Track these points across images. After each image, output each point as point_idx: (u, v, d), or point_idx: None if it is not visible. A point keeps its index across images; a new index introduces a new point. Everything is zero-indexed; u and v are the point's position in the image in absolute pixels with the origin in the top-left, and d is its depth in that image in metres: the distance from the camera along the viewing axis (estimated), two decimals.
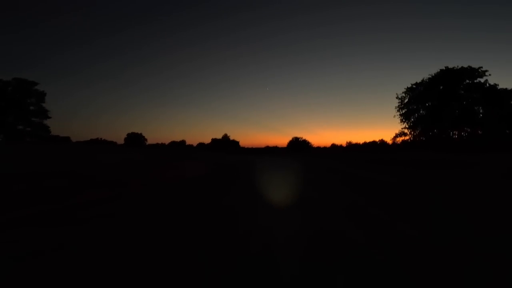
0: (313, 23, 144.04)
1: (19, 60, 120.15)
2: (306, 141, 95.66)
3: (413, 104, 26.80)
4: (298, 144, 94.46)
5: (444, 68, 26.81)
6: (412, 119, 26.91)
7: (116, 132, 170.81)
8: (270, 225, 4.66)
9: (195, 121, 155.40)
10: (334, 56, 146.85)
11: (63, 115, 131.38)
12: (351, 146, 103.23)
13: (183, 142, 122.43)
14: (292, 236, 4.04)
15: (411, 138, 26.76)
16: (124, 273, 2.80)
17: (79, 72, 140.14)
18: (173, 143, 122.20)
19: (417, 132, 26.37)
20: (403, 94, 27.19)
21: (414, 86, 27.09)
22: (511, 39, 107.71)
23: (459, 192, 8.16)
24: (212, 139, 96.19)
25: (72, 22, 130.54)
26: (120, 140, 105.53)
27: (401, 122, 27.87)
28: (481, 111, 25.98)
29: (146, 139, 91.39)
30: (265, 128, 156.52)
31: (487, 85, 25.61)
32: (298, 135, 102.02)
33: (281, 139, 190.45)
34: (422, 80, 26.79)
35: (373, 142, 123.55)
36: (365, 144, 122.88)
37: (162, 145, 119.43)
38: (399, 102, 27.30)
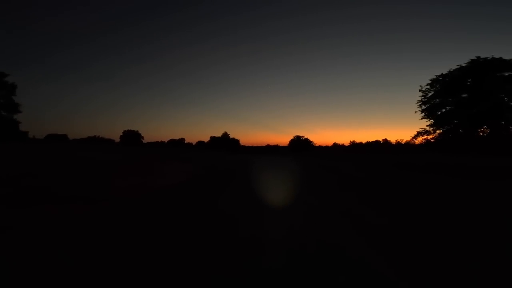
0: (314, 23, 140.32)
1: (17, 59, 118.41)
2: (308, 140, 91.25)
3: (438, 98, 22.49)
4: (299, 143, 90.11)
5: (475, 58, 22.58)
6: (438, 115, 22.62)
7: (116, 130, 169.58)
8: None
9: (196, 120, 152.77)
10: (335, 55, 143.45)
11: (63, 114, 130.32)
12: (355, 146, 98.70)
13: (181, 140, 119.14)
14: None
15: (438, 137, 22.46)
16: None
17: (79, 70, 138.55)
18: (171, 141, 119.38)
19: (443, 130, 22.11)
20: (428, 87, 22.77)
21: (439, 78, 22.75)
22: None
23: None
24: (211, 137, 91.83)
25: (71, 21, 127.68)
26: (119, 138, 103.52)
27: (423, 118, 23.49)
28: None
29: (142, 137, 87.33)
30: (266, 127, 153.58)
31: None
32: (299, 134, 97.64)
33: (282, 138, 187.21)
34: (449, 72, 22.51)
35: (377, 142, 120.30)
36: (368, 143, 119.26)
37: (160, 143, 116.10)
38: (422, 96, 22.85)
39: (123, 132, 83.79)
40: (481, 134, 23.08)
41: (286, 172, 14.77)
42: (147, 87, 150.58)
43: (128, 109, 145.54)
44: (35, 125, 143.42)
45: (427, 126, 23.05)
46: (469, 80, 22.98)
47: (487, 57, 22.19)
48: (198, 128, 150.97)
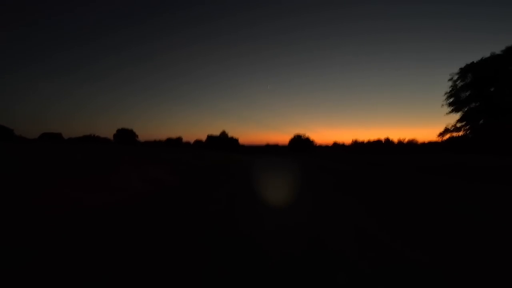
0: (314, 23, 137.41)
1: (16, 58, 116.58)
2: (309, 139, 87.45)
3: (469, 90, 18.70)
4: (300, 142, 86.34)
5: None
6: (466, 109, 18.86)
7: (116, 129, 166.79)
8: None
9: (196, 119, 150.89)
10: (335, 55, 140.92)
11: (62, 113, 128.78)
12: (358, 145, 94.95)
13: (179, 139, 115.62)
14: None
15: (469, 134, 18.69)
16: None
17: (78, 70, 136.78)
18: (169, 140, 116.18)
19: (475, 126, 18.34)
20: (457, 76, 18.89)
21: (470, 67, 18.93)
22: None
23: None
24: (208, 136, 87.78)
25: (69, 22, 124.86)
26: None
27: (450, 113, 19.65)
28: None
29: (137, 136, 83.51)
30: (266, 126, 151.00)
31: None
32: (300, 133, 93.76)
33: (282, 137, 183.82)
34: (481, 59, 18.71)
35: (379, 141, 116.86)
36: (370, 143, 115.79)
37: (155, 142, 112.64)
38: (451, 87, 19.00)
39: (116, 131, 79.95)
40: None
41: (282, 181, 11.26)
42: (146, 86, 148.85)
43: (128, 109, 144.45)
44: (36, 124, 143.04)
45: (457, 122, 19.27)
46: (503, 69, 19.16)
47: None
48: (198, 127, 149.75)
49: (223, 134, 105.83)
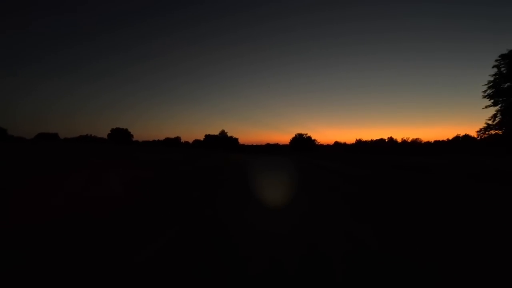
0: (314, 23, 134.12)
1: (16, 59, 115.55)
2: (310, 138, 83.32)
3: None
4: (301, 142, 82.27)
5: None
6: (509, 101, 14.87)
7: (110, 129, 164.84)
8: None
9: (196, 119, 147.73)
10: (336, 54, 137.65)
11: (63, 113, 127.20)
12: (361, 144, 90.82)
13: (177, 139, 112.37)
14: None
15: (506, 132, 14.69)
16: None
17: (77, 70, 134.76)
18: (167, 140, 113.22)
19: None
20: (501, 63, 14.77)
21: None
22: None
23: None
24: (206, 136, 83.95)
25: (67, 22, 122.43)
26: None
27: (489, 106, 15.62)
28: None
29: (132, 135, 79.81)
30: (266, 125, 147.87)
31: None
32: (301, 132, 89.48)
33: (283, 137, 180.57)
34: None
35: (381, 140, 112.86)
36: (373, 142, 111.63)
37: (153, 142, 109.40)
38: (494, 75, 14.94)
39: (111, 130, 76.26)
40: None
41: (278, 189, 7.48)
42: (146, 86, 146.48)
43: (128, 109, 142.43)
44: (34, 124, 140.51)
45: (497, 117, 15.29)
46: None
47: None
48: (198, 127, 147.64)
49: (222, 134, 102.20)
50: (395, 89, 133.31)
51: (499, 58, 15.31)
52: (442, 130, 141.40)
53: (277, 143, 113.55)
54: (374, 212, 5.44)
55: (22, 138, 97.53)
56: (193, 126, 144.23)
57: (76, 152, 23.80)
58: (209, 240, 3.53)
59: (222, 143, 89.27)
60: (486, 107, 15.86)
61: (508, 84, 15.01)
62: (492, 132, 15.86)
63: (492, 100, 15.52)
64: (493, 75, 15.43)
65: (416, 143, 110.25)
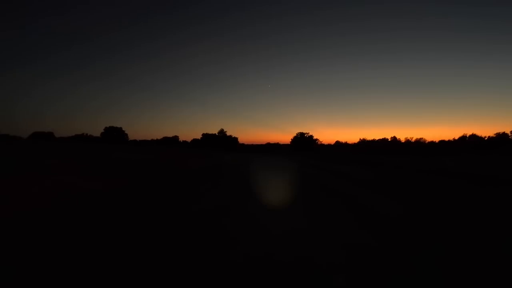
0: (314, 23, 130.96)
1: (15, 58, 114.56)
2: (312, 137, 79.20)
3: None
4: (303, 141, 78.18)
5: None
6: None
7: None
8: None
9: (197, 118, 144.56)
10: (338, 54, 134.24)
11: (63, 112, 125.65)
12: (365, 144, 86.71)
13: (175, 138, 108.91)
14: None
15: None
16: None
17: (78, 70, 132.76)
18: (165, 139, 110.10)
19: None
20: None
21: None
22: None
23: None
24: (203, 134, 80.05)
25: (66, 23, 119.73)
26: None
27: None
28: None
29: (126, 134, 76.03)
30: (267, 125, 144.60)
31: None
32: (303, 131, 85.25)
33: (284, 136, 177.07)
34: None
35: (384, 140, 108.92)
36: (375, 142, 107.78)
37: (150, 141, 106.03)
38: None
39: (104, 129, 72.49)
40: None
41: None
42: (146, 86, 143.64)
43: (128, 108, 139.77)
44: (39, 123, 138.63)
45: None
46: None
47: None
48: (198, 126, 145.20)
49: (221, 133, 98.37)
50: (397, 88, 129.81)
51: None
52: (447, 130, 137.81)
53: (278, 143, 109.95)
54: None
55: (17, 137, 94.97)
56: (193, 126, 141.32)
57: (42, 151, 20.02)
58: None
59: (220, 142, 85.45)
60: None
61: None
62: None
63: None
64: None
65: (420, 142, 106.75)
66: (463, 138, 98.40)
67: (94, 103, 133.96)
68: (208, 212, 5.38)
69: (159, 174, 10.86)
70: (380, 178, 11.91)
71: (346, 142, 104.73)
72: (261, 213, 5.43)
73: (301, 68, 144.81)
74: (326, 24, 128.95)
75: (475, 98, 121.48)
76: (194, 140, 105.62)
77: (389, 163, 22.61)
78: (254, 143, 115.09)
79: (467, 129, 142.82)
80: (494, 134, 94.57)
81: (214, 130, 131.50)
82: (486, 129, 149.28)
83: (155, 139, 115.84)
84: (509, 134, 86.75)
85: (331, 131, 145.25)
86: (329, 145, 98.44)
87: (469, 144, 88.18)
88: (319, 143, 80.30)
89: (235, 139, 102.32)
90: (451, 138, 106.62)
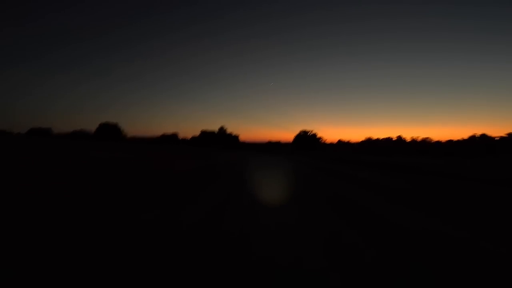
0: (314, 22, 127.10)
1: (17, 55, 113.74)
2: (316, 135, 74.83)
3: None
4: (306, 140, 73.86)
5: None
6: None
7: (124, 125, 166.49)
8: None
9: (198, 117, 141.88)
10: (342, 53, 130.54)
11: (64, 110, 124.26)
12: (371, 143, 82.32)
13: (174, 135, 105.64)
14: None
15: None
16: None
17: (79, 67, 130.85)
18: (164, 136, 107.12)
19: None
20: None
21: None
22: None
23: None
24: (202, 132, 76.19)
25: (66, 21, 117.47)
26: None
27: None
28: None
29: (122, 130, 72.51)
30: (269, 123, 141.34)
31: None
32: (306, 129, 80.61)
33: (286, 134, 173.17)
34: None
35: (388, 139, 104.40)
36: (381, 141, 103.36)
37: (148, 138, 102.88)
38: None
39: (98, 125, 69.04)
40: None
41: None
42: (149, 84, 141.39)
43: (130, 106, 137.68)
44: (41, 119, 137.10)
45: None
46: None
47: None
48: (200, 124, 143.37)
49: (221, 130, 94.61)
50: (399, 88, 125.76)
51: None
52: (453, 130, 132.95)
53: (279, 141, 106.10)
54: None
55: (11, 133, 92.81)
56: (195, 124, 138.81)
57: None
58: None
59: (220, 140, 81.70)
60: None
61: None
62: None
63: None
64: None
65: (426, 142, 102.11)
66: (472, 138, 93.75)
67: (94, 101, 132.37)
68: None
69: (119, 179, 7.16)
70: (422, 191, 7.92)
71: (349, 141, 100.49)
72: None
73: (305, 67, 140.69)
74: (331, 23, 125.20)
75: (482, 98, 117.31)
76: (194, 138, 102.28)
77: (412, 167, 18.50)
78: (256, 141, 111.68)
79: (475, 129, 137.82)
80: (506, 134, 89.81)
81: (215, 128, 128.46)
82: (495, 129, 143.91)
83: (155, 136, 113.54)
84: None
85: (334, 129, 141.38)
86: (333, 144, 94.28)
87: (480, 144, 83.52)
88: (323, 141, 75.90)
89: (236, 137, 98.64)
90: (459, 138, 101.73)
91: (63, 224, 3.49)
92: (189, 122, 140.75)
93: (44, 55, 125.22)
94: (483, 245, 3.35)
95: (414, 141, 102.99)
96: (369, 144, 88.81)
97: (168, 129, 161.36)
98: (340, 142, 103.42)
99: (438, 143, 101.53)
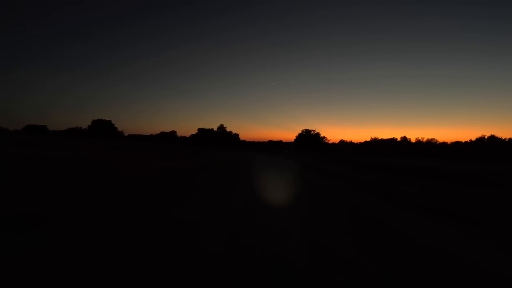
0: (313, 22, 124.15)
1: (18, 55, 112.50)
2: (319, 135, 70.47)
3: None
4: (308, 139, 69.52)
5: None
6: None
7: (122, 123, 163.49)
8: None
9: (199, 116, 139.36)
10: (345, 53, 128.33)
11: (67, 108, 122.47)
12: (377, 143, 77.98)
13: (173, 132, 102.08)
14: None
15: None
16: None
17: (80, 67, 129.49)
18: (162, 134, 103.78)
19: None
20: None
21: None
22: None
23: None
24: (199, 129, 72.04)
25: (65, 21, 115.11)
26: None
27: None
28: None
29: (116, 127, 68.64)
30: (270, 123, 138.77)
31: None
32: (309, 128, 75.93)
33: (288, 134, 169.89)
34: None
35: (393, 140, 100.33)
36: (384, 141, 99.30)
37: (148, 136, 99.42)
38: None
39: (91, 122, 65.13)
40: None
41: None
42: (148, 83, 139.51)
43: (132, 105, 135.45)
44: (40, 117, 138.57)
45: None
46: None
47: None
48: (201, 123, 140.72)
49: (221, 128, 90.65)
50: (402, 89, 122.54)
51: None
52: (458, 131, 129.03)
53: (280, 140, 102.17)
54: None
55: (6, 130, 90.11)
56: (197, 123, 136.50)
57: None
58: None
59: (219, 139, 77.71)
60: None
61: None
62: None
63: None
64: None
65: (431, 143, 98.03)
66: (481, 139, 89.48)
67: (95, 100, 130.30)
68: None
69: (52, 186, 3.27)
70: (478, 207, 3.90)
71: (351, 141, 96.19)
72: None
73: (306, 66, 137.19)
74: (333, 23, 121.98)
75: (490, 99, 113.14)
76: (193, 136, 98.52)
77: (440, 173, 14.28)
78: (256, 140, 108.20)
79: (483, 130, 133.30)
80: None
81: (215, 126, 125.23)
82: (503, 131, 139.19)
83: (154, 134, 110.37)
84: None
85: (335, 130, 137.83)
86: (335, 144, 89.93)
87: (490, 146, 79.16)
88: (326, 141, 71.46)
89: (236, 135, 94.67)
90: (466, 139, 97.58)
91: None
92: (190, 121, 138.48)
93: (45, 55, 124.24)
94: None
95: (419, 142, 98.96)
96: (374, 144, 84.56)
97: (170, 128, 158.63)
98: (342, 143, 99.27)
99: (444, 144, 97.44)
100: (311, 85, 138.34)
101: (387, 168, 17.22)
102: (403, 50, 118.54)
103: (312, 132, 69.11)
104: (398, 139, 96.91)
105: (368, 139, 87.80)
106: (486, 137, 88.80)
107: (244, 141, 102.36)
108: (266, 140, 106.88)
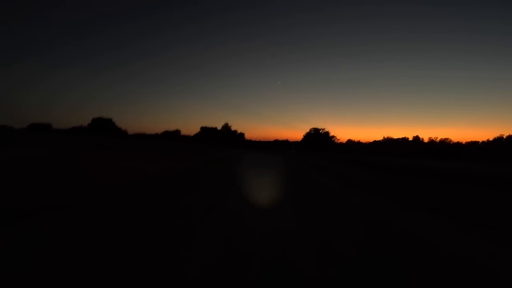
0: (316, 22, 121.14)
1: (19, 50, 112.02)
2: (328, 134, 66.35)
3: None
4: (317, 138, 65.52)
5: None
6: None
7: (127, 122, 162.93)
8: None
9: (204, 114, 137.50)
10: (352, 52, 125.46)
11: (69, 106, 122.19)
12: (391, 143, 73.48)
13: (177, 131, 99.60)
14: None
15: None
16: None
17: (86, 63, 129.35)
18: (166, 133, 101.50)
19: None
20: None
21: None
22: None
23: None
24: (202, 128, 68.86)
25: (70, 19, 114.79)
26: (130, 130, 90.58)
27: None
28: None
29: (117, 126, 66.15)
30: (276, 122, 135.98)
31: None
32: (317, 127, 71.63)
33: (294, 133, 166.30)
34: None
35: (404, 139, 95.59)
36: (396, 141, 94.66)
37: (150, 135, 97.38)
38: None
39: (91, 120, 62.73)
40: None
41: None
42: (152, 81, 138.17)
43: (135, 103, 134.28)
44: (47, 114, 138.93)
45: None
46: None
47: None
48: (206, 122, 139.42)
49: (225, 127, 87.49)
50: (415, 88, 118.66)
51: None
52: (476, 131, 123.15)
53: (287, 139, 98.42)
54: None
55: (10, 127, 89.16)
56: (202, 122, 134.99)
57: None
58: None
59: (224, 137, 74.58)
60: None
61: None
62: None
63: None
64: None
65: (444, 143, 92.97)
66: (499, 139, 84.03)
67: (99, 98, 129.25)
68: None
69: None
70: None
71: (359, 141, 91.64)
72: None
73: (314, 65, 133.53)
74: (342, 22, 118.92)
75: (509, 98, 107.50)
76: (196, 135, 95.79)
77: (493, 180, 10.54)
78: (262, 140, 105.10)
79: (500, 130, 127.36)
80: None
81: (220, 125, 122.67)
82: None
83: (158, 133, 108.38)
84: None
85: (343, 129, 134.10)
86: (343, 144, 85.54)
87: (508, 146, 73.80)
88: (336, 141, 67.35)
89: (241, 134, 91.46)
90: (482, 139, 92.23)
91: None
92: (195, 120, 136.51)
93: (47, 51, 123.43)
94: None
95: (432, 142, 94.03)
96: (385, 144, 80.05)
97: (174, 126, 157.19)
98: (349, 142, 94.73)
99: (459, 144, 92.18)
100: (318, 84, 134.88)
101: (424, 173, 13.45)
102: (414, 50, 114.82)
103: (321, 131, 65.05)
104: (410, 139, 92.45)
105: (377, 138, 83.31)
106: (504, 137, 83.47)
107: (250, 140, 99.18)
108: (272, 139, 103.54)
